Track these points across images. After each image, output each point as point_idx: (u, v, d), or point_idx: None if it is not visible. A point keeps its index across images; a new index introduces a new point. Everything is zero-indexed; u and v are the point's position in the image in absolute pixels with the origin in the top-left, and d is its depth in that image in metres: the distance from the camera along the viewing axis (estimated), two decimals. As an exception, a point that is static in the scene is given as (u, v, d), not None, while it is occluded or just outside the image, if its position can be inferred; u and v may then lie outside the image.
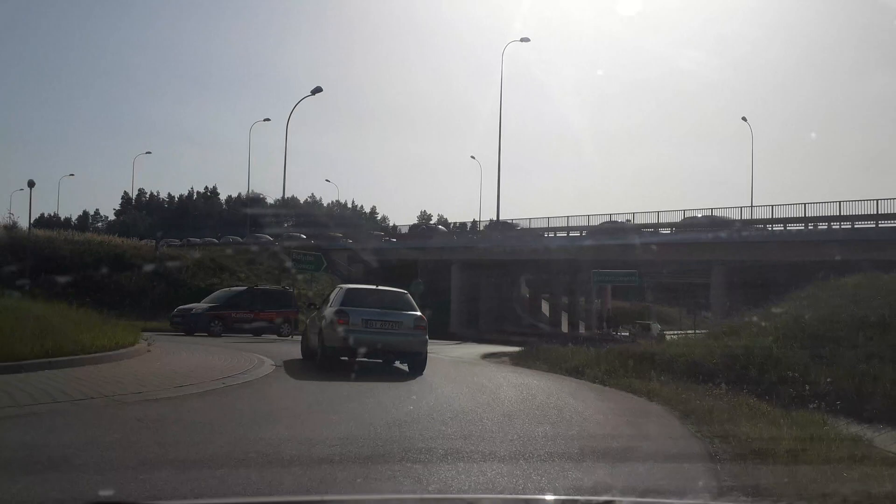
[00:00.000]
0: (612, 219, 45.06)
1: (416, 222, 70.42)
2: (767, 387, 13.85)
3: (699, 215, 41.42)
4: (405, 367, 14.53)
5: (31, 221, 43.46)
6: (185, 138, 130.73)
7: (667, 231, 42.95)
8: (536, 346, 24.82)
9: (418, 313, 14.49)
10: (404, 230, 62.88)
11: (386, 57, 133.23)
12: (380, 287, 15.59)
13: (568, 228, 47.60)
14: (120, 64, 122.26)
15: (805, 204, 37.06)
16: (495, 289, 51.65)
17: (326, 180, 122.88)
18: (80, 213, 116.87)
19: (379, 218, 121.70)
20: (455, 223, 57.83)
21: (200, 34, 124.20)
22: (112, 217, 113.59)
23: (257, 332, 28.61)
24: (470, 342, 36.46)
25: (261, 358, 14.91)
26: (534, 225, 49.25)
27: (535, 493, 5.30)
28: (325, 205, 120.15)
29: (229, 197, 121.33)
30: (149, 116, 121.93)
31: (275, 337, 28.21)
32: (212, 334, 27.14)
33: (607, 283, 39.14)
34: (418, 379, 13.20)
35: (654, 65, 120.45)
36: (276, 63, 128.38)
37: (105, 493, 4.93)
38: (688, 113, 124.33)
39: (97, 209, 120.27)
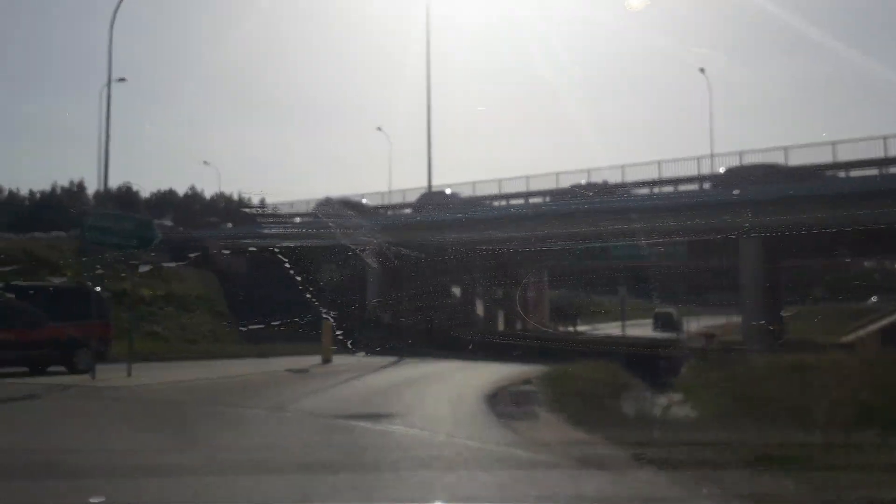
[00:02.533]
0: (590, 179, 33.14)
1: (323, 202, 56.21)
2: None
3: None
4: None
5: None
6: (46, 130, 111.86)
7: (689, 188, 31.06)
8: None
9: None
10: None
11: (262, 35, 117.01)
12: None
13: (528, 194, 35.43)
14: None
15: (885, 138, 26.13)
16: (418, 282, 39.32)
17: (204, 162, 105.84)
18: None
19: (269, 210, 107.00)
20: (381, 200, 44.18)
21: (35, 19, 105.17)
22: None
23: (32, 366, 15.58)
24: (411, 357, 24.15)
25: None
26: (479, 192, 36.78)
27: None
28: (207, 197, 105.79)
29: (97, 192, 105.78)
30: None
31: (61, 380, 14.72)
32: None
33: (634, 258, 27.07)
34: None
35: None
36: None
37: (96, 500, 4.92)
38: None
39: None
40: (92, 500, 4.89)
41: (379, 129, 68.00)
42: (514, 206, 35.50)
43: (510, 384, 15.35)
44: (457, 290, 47.42)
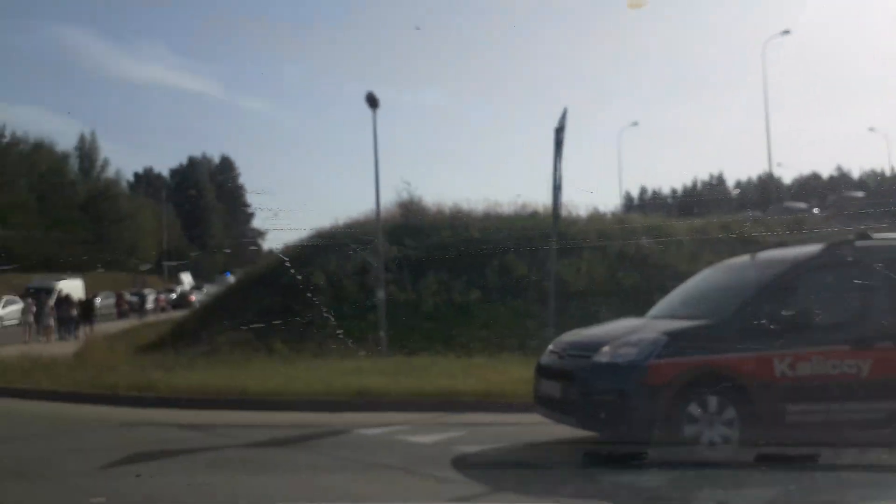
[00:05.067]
0: None
1: None
2: None
3: None
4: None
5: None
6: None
7: None
8: None
9: None
10: None
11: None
12: None
13: None
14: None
15: None
16: None
17: (870, 129, 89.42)
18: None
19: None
20: None
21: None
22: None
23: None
24: None
25: None
26: None
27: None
28: (855, 178, 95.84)
29: (738, 182, 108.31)
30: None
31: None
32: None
33: None
34: None
35: None
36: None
37: (96, 500, 4.86)
38: None
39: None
40: (93, 500, 4.68)
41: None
42: None
43: None
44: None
